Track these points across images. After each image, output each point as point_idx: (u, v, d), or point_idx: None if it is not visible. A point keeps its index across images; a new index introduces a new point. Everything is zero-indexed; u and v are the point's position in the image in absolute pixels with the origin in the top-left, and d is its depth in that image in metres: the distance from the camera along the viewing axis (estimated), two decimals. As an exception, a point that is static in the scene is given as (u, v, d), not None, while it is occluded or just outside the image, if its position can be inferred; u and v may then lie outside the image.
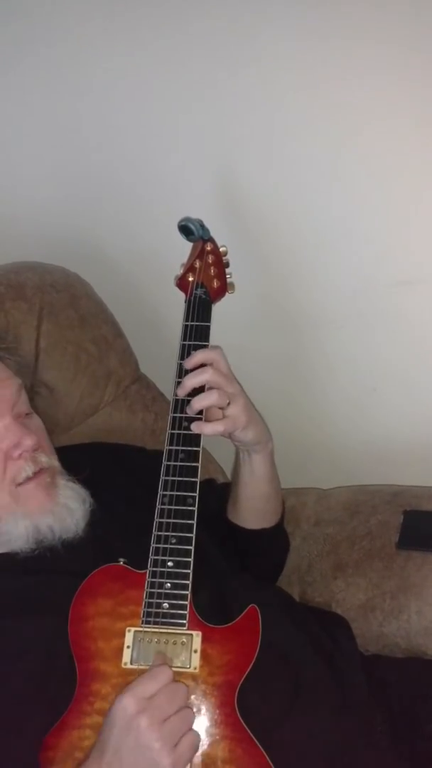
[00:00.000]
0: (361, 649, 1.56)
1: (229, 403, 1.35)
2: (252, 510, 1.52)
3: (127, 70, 1.65)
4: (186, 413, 1.33)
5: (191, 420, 1.33)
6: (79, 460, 1.48)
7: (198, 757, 1.17)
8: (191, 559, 1.24)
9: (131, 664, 1.21)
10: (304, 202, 1.70)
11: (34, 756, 1.18)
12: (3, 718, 1.22)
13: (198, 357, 1.36)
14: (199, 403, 1.32)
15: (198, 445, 1.33)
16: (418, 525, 1.66)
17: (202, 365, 1.36)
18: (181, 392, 1.34)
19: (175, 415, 1.34)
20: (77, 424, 1.77)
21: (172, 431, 1.33)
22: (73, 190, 1.83)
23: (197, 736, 1.16)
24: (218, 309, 1.84)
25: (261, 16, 1.53)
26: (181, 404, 1.34)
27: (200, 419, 1.33)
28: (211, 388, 1.34)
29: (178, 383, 1.35)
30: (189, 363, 1.35)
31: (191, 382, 1.33)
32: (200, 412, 1.34)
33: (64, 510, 1.37)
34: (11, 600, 1.33)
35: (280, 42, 1.54)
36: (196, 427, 1.31)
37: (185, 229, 1.45)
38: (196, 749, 1.16)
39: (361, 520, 1.74)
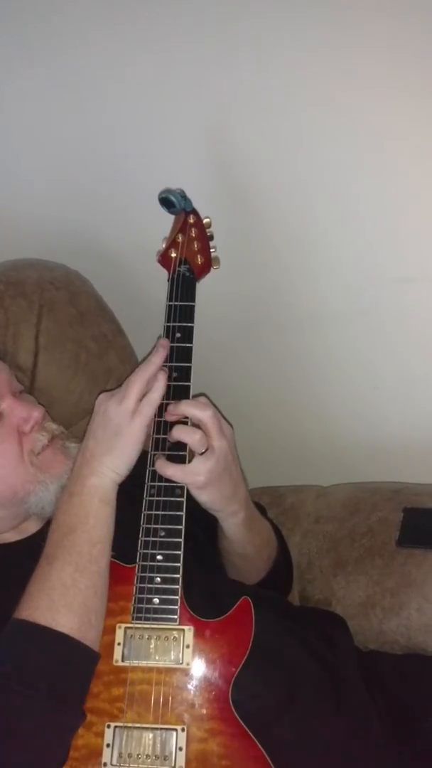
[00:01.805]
0: (360, 646, 1.56)
1: (202, 454, 1.29)
2: (230, 565, 1.49)
3: (125, 66, 1.64)
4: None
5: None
6: None
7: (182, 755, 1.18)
8: (181, 552, 1.23)
9: (122, 661, 1.21)
10: (306, 197, 1.68)
11: None
12: None
13: (204, 400, 1.33)
14: (177, 433, 1.28)
15: None
16: (419, 522, 1.66)
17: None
18: (171, 417, 1.30)
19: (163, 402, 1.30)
20: (76, 422, 1.76)
21: (159, 419, 1.30)
22: (73, 187, 1.81)
23: (155, 395, 1.28)
24: (221, 304, 1.84)
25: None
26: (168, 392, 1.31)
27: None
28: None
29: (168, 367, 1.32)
30: (187, 405, 1.30)
31: (188, 410, 1.29)
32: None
33: None
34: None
35: (281, 25, 1.52)
36: (156, 458, 1.29)
37: (166, 202, 1.40)
38: (154, 402, 1.27)
39: (361, 517, 1.73)
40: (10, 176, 1.83)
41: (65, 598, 1.18)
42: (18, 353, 1.70)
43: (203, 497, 1.30)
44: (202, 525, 1.41)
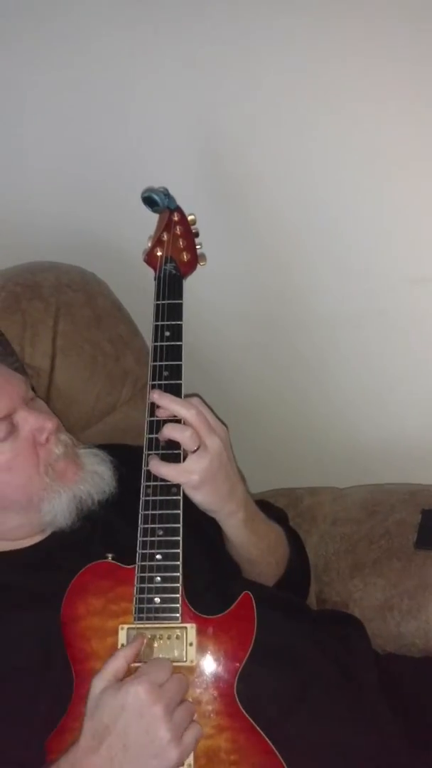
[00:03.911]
0: (378, 648, 1.55)
1: (194, 451, 1.28)
2: (242, 567, 1.48)
3: (130, 69, 1.66)
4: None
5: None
6: None
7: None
8: (180, 551, 1.23)
9: (126, 662, 1.21)
10: (318, 199, 1.69)
11: (35, 745, 1.19)
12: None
13: (195, 401, 1.31)
14: (168, 431, 1.27)
15: None
16: (437, 524, 1.64)
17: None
18: (158, 411, 1.29)
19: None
20: (94, 423, 1.78)
21: (151, 419, 1.30)
22: (89, 190, 1.83)
23: (200, 728, 1.16)
24: (236, 307, 1.84)
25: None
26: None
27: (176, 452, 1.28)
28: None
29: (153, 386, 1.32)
30: (168, 401, 1.29)
31: (171, 406, 1.28)
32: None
33: (95, 476, 1.40)
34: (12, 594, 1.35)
35: (278, 26, 1.53)
36: (150, 458, 1.27)
37: (149, 201, 1.40)
38: (198, 742, 1.16)
39: (378, 519, 1.72)
40: (26, 180, 1.86)
41: None
42: (35, 356, 1.72)
43: (199, 497, 1.29)
44: (214, 524, 1.40)
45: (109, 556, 1.27)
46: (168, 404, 1.28)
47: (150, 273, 1.60)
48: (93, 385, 1.76)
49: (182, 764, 1.14)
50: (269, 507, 1.56)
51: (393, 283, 1.72)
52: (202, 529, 1.37)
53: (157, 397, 1.29)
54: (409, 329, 1.76)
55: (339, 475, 1.93)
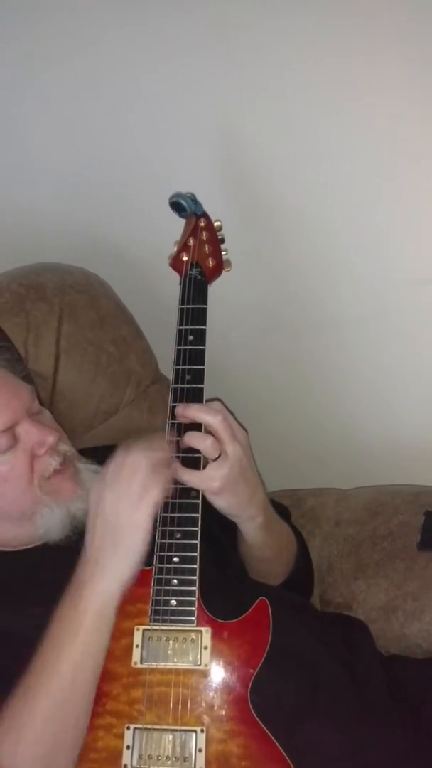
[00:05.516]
0: (381, 650, 1.55)
1: (215, 459, 1.27)
2: (250, 569, 1.48)
3: (135, 69, 1.66)
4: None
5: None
6: (101, 462, 1.48)
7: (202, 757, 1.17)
8: (197, 554, 1.23)
9: (141, 663, 1.21)
10: (322, 201, 1.70)
11: None
12: None
13: (217, 406, 1.31)
14: (189, 439, 1.27)
15: None
16: (440, 525, 1.65)
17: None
18: (180, 420, 1.29)
19: (174, 405, 1.30)
20: (97, 424, 1.78)
21: (173, 422, 1.30)
22: (94, 191, 1.83)
23: (159, 483, 1.20)
24: (240, 308, 1.84)
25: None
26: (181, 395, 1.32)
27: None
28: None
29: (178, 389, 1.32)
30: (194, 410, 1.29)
31: (197, 415, 1.28)
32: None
33: None
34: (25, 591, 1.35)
35: (293, 27, 1.53)
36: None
37: (177, 206, 1.41)
38: (158, 497, 1.19)
39: (382, 520, 1.73)
40: (30, 181, 1.85)
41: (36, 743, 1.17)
42: (39, 357, 1.72)
43: (219, 503, 1.30)
44: (224, 527, 1.40)
45: None
46: (194, 414, 1.28)
47: (155, 276, 1.61)
48: (96, 386, 1.76)
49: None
50: (272, 504, 1.56)
51: (396, 285, 1.73)
52: (207, 529, 1.37)
53: (182, 410, 1.29)
54: (412, 330, 1.77)
55: (342, 476, 1.94)
